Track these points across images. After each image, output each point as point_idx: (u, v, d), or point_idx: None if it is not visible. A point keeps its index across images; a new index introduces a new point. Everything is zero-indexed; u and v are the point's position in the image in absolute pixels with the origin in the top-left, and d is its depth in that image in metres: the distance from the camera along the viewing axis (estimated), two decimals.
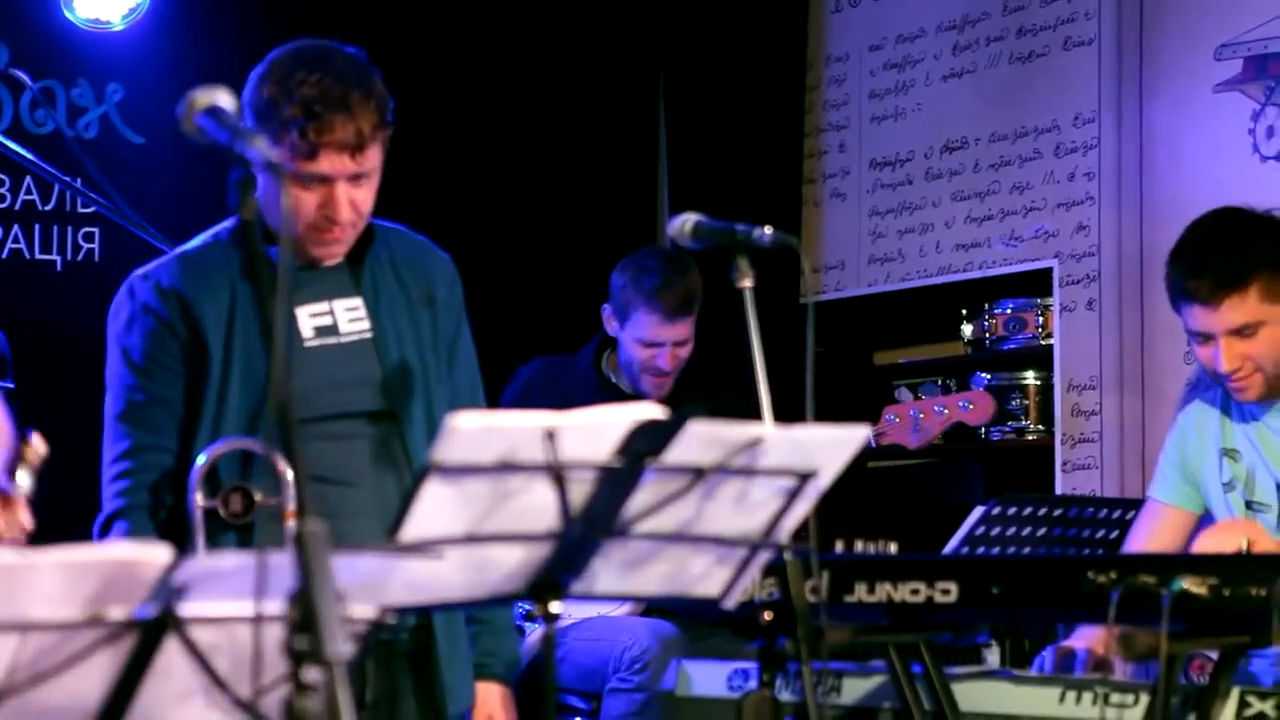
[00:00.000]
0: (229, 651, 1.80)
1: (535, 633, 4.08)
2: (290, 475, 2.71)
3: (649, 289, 4.45)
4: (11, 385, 4.40)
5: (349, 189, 2.84)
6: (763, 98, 5.87)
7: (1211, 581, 2.61)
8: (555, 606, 2.19)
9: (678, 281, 4.47)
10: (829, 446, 2.19)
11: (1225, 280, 3.34)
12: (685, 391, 4.52)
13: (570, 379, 4.56)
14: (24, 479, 2.29)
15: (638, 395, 4.53)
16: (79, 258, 5.23)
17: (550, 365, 4.62)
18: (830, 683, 3.11)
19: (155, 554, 1.71)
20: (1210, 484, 3.56)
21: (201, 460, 2.82)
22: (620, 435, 2.08)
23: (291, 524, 1.74)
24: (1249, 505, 3.51)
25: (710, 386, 4.61)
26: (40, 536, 1.91)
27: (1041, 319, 5.31)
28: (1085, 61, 5.19)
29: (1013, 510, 3.41)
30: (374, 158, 2.85)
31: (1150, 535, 3.59)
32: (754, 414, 4.53)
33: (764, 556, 2.28)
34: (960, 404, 4.43)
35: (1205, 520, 3.62)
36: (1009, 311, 5.38)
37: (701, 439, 2.12)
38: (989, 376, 5.36)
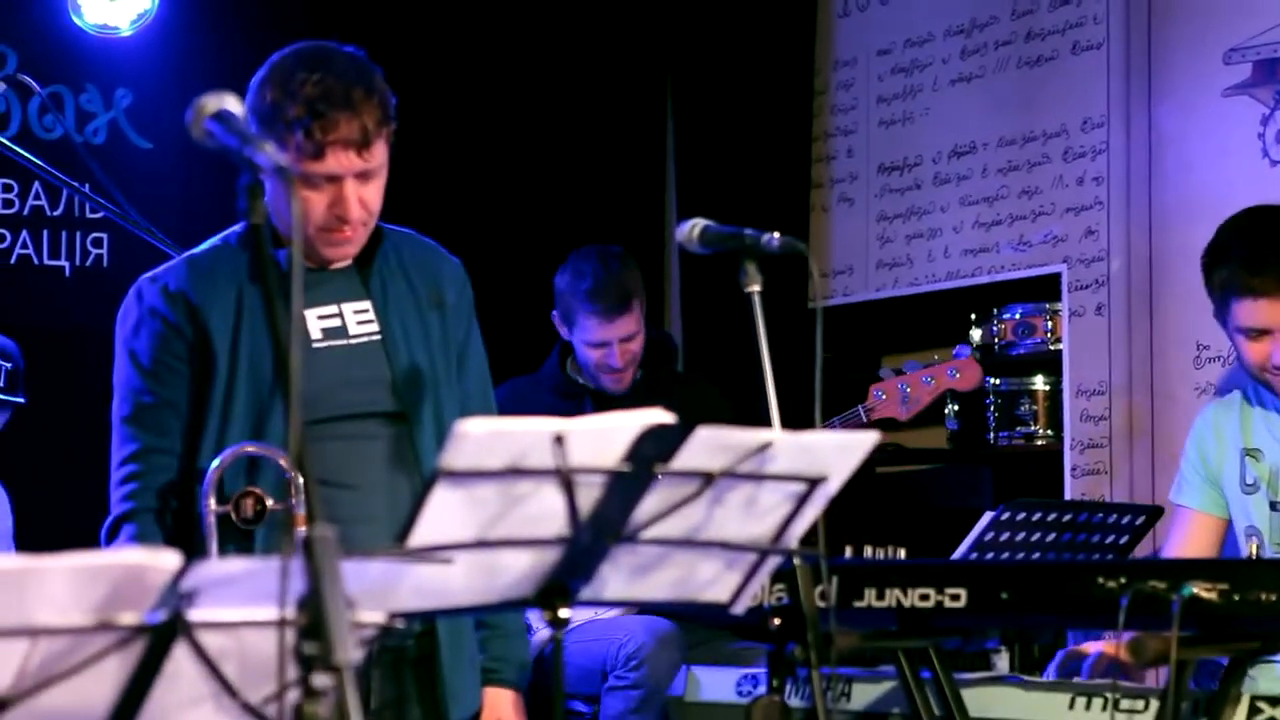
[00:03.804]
0: (238, 657, 1.80)
1: (537, 635, 4.09)
2: (301, 481, 2.72)
3: (585, 292, 4.55)
4: (24, 400, 4.40)
5: (357, 187, 2.84)
6: (771, 102, 5.86)
7: (1222, 586, 2.60)
8: (564, 612, 2.19)
9: (611, 280, 4.55)
10: (838, 451, 2.19)
11: None
12: (651, 392, 4.55)
13: (539, 392, 4.63)
14: None
15: (601, 392, 4.59)
16: (87, 263, 5.24)
17: (516, 387, 4.68)
18: (839, 688, 3.11)
19: (164, 559, 1.72)
20: (1230, 486, 3.55)
21: (215, 464, 2.82)
22: (629, 440, 2.07)
23: (302, 529, 1.74)
24: (1274, 507, 3.50)
25: (676, 383, 4.66)
26: (52, 540, 1.91)
27: (1050, 324, 5.30)
28: (1094, 66, 5.19)
29: (1022, 515, 3.40)
30: (380, 154, 2.86)
31: (1184, 544, 3.58)
32: (728, 400, 4.56)
33: (773, 562, 2.28)
34: (948, 372, 4.44)
35: (1230, 527, 3.61)
36: (1018, 317, 5.38)
37: (710, 444, 2.11)
38: (995, 381, 5.35)
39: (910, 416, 4.36)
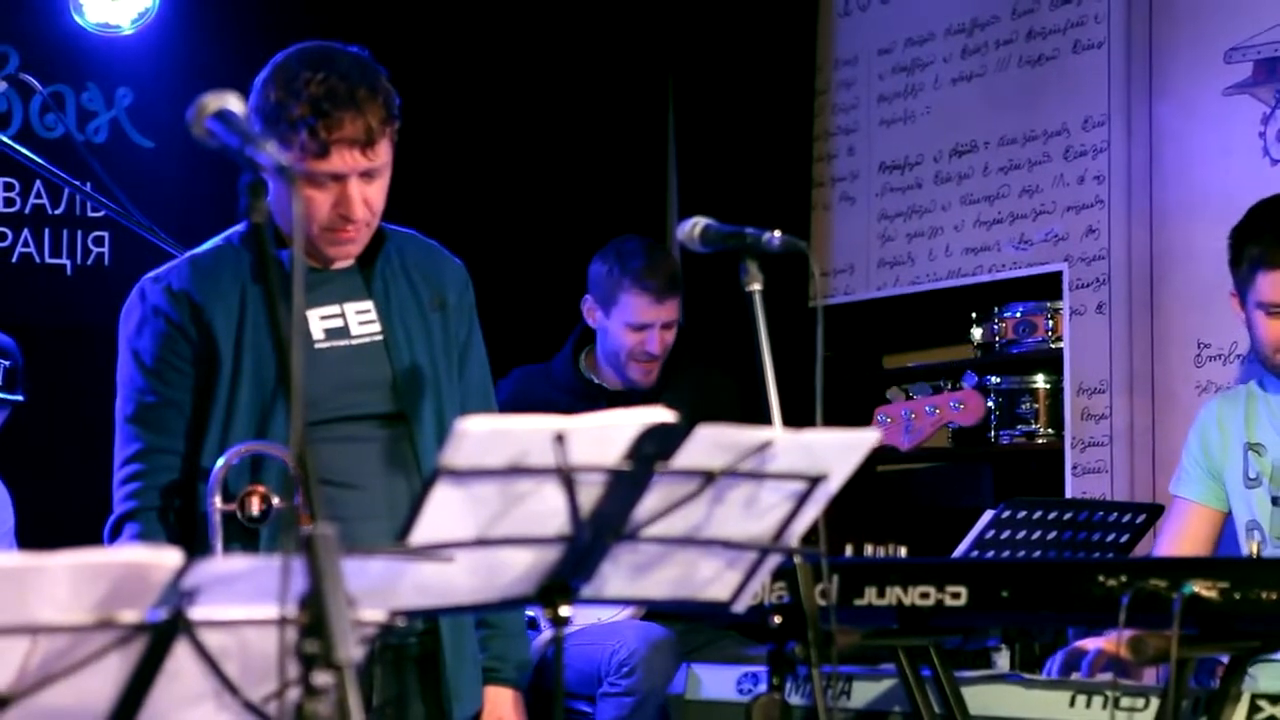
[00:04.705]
0: (239, 655, 1.81)
1: (540, 638, 4.09)
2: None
3: (636, 270, 4.50)
4: (22, 398, 4.41)
5: (361, 186, 2.85)
6: (772, 101, 5.86)
7: (1223, 585, 2.61)
8: (564, 610, 2.19)
9: (662, 261, 4.55)
10: (838, 450, 2.19)
11: None
12: (670, 384, 4.53)
13: (549, 386, 4.57)
14: None
15: (620, 390, 4.55)
16: (89, 262, 5.24)
17: (528, 376, 4.63)
18: (840, 686, 3.11)
19: (166, 557, 1.72)
20: (1232, 480, 3.54)
21: (220, 463, 2.83)
22: (630, 439, 2.08)
23: (305, 528, 1.74)
24: (1275, 502, 3.50)
25: (694, 375, 4.63)
26: (53, 539, 1.91)
27: (1051, 322, 5.30)
28: (1095, 65, 5.19)
29: (1023, 514, 3.40)
30: (384, 153, 2.86)
31: (1180, 535, 3.58)
32: (741, 393, 4.55)
33: (773, 560, 2.28)
34: (951, 404, 4.43)
35: (1228, 520, 3.61)
36: (1019, 315, 5.38)
37: (711, 443, 2.11)
38: (996, 380, 5.36)
39: (911, 448, 4.35)
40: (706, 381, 4.62)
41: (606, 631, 4.28)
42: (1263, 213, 3.52)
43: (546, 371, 4.64)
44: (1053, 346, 5.28)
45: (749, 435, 2.14)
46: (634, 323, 4.50)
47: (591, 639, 4.27)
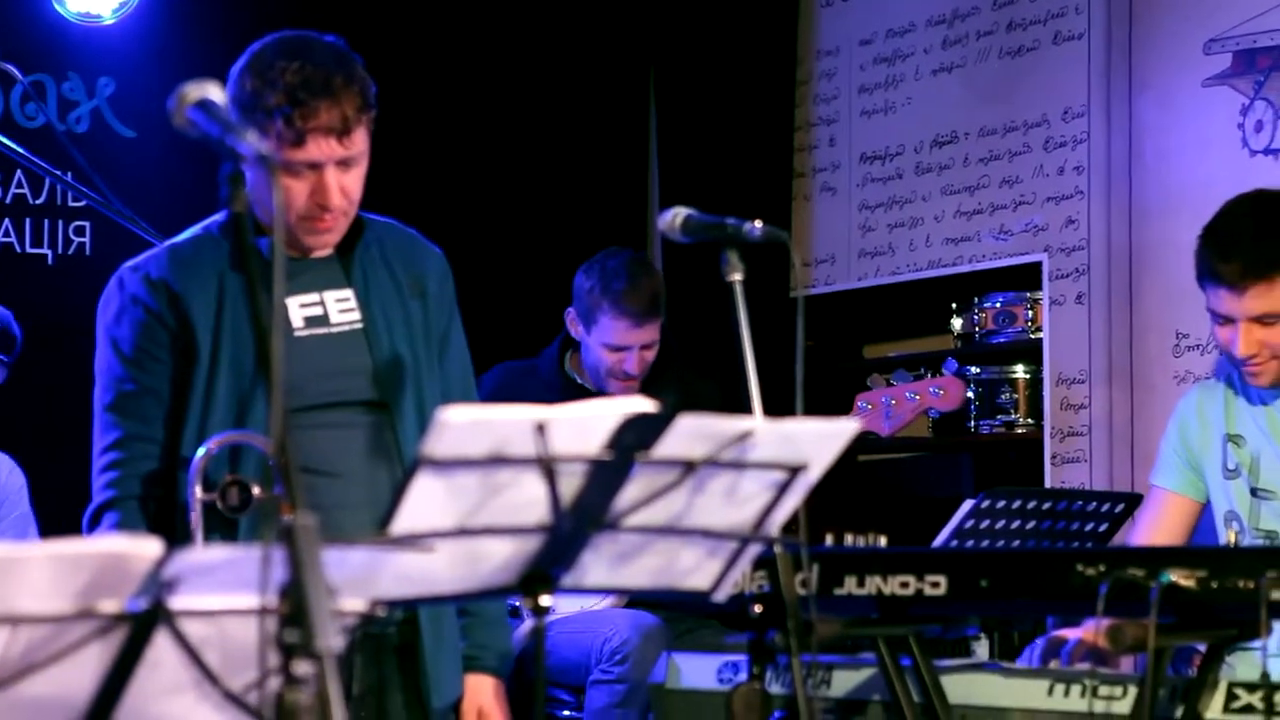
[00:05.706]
0: (219, 645, 1.81)
1: (522, 626, 4.09)
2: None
3: (616, 293, 4.43)
4: (8, 359, 4.40)
5: (338, 175, 2.85)
6: (753, 92, 5.87)
7: (1200, 574, 2.62)
8: (545, 599, 2.19)
9: (644, 284, 4.45)
10: (819, 440, 2.19)
11: (1252, 268, 3.33)
12: (653, 385, 4.52)
13: (533, 384, 4.54)
14: None
15: (603, 396, 4.51)
16: (70, 251, 5.23)
17: (510, 371, 4.60)
18: (820, 675, 3.12)
19: (146, 547, 1.72)
20: (1211, 471, 3.55)
21: (201, 452, 2.83)
22: (610, 429, 2.08)
23: (285, 517, 1.74)
24: (1254, 493, 3.50)
25: (677, 376, 4.61)
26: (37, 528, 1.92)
27: (1031, 313, 5.32)
28: (1075, 56, 5.20)
29: (1002, 503, 3.41)
30: (360, 141, 2.86)
31: (1155, 525, 3.58)
32: (723, 395, 4.55)
33: (754, 550, 2.29)
34: (931, 390, 4.45)
35: (1206, 510, 3.61)
36: (998, 305, 5.39)
37: (691, 432, 2.12)
38: (976, 370, 5.37)
39: (892, 434, 4.35)
40: (688, 383, 4.61)
41: (597, 619, 4.28)
42: (1218, 217, 3.46)
43: (531, 369, 4.62)
44: (1032, 337, 5.30)
45: (729, 425, 2.14)
46: (612, 344, 4.46)
47: (582, 627, 4.26)
